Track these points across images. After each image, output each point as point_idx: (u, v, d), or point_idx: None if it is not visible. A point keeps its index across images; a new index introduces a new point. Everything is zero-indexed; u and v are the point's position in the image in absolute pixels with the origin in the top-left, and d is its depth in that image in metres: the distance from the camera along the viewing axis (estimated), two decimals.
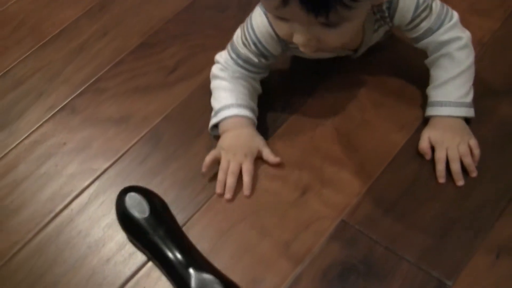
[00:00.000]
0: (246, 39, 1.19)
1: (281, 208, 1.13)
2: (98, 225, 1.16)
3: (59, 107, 1.38)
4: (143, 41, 1.50)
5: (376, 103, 1.25)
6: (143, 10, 1.58)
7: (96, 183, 1.23)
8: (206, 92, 1.28)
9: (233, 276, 1.04)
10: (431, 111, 1.16)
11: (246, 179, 1.17)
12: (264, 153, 1.19)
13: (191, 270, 1.01)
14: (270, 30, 1.15)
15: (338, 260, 1.06)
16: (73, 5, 1.63)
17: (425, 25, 1.14)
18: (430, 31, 1.14)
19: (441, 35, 1.14)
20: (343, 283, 1.03)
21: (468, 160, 1.11)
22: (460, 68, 1.13)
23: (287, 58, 1.34)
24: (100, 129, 1.32)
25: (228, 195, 1.16)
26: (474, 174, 1.12)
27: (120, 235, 1.13)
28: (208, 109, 1.25)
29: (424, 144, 1.15)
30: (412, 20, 1.13)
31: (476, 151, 1.12)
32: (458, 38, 1.14)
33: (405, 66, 1.27)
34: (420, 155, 1.16)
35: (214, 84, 1.25)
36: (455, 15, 1.16)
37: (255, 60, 1.21)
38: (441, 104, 1.14)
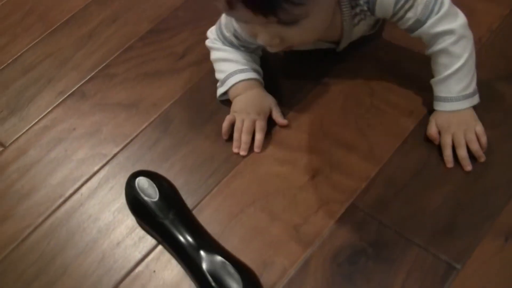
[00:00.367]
0: (221, 28, 1.22)
1: (291, 192, 1.14)
2: (108, 209, 1.17)
3: (69, 93, 1.39)
4: (152, 28, 1.50)
5: (386, 88, 1.25)
6: None
7: (106, 168, 1.23)
8: (215, 78, 1.28)
9: (244, 259, 1.04)
10: (437, 106, 1.15)
11: (259, 136, 1.20)
12: (273, 113, 1.22)
13: (202, 252, 1.02)
14: None
15: (347, 243, 1.06)
16: None
17: (411, 16, 1.10)
18: (419, 23, 1.10)
19: (432, 27, 1.10)
20: (352, 266, 1.03)
21: (475, 147, 1.11)
22: (459, 63, 1.10)
23: None
24: (110, 114, 1.33)
25: (243, 152, 1.19)
26: (482, 159, 1.12)
27: (130, 219, 1.14)
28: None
29: (432, 130, 1.15)
30: (395, 12, 1.10)
31: (483, 139, 1.12)
32: (450, 32, 1.09)
33: (414, 51, 1.26)
34: (429, 140, 1.16)
35: (214, 55, 1.27)
36: (446, 3, 1.09)
37: (236, 43, 1.22)
38: (444, 99, 1.13)
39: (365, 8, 1.13)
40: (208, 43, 1.28)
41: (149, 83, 1.37)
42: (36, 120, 1.34)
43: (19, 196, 1.22)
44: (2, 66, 1.48)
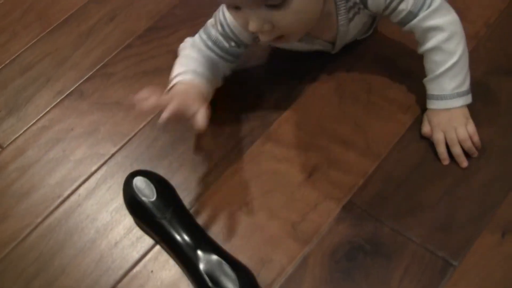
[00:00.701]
0: (215, 20, 1.19)
1: (289, 189, 1.14)
2: (106, 209, 1.17)
3: (67, 93, 1.39)
4: (150, 25, 1.50)
5: (383, 84, 1.25)
6: None
7: (104, 168, 1.23)
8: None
9: (242, 256, 1.05)
10: (430, 104, 1.15)
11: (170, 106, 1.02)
12: (198, 113, 1.03)
13: (199, 252, 1.02)
14: None
15: (345, 240, 1.06)
16: None
17: (403, 7, 1.10)
18: (412, 15, 1.10)
19: (424, 21, 1.09)
20: (350, 263, 1.04)
21: (468, 144, 1.11)
22: (452, 60, 1.10)
23: None
24: (108, 113, 1.33)
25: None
26: (475, 155, 1.12)
27: (127, 219, 1.14)
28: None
29: (426, 129, 1.15)
30: (388, 4, 1.10)
31: (475, 137, 1.12)
32: (441, 28, 1.09)
33: (411, 47, 1.26)
34: (425, 137, 1.16)
35: (176, 60, 1.22)
36: None
37: (225, 44, 1.20)
38: (437, 97, 1.13)
39: (358, 0, 1.13)
40: (180, 46, 1.24)
41: (148, 81, 1.36)
42: (34, 121, 1.34)
43: (18, 196, 1.22)
44: (1, 66, 1.49)
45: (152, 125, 1.28)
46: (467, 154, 1.12)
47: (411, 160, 1.14)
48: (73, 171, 1.24)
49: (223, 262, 1.01)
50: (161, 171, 1.16)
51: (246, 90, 1.30)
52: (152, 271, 1.08)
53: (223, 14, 1.17)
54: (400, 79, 1.24)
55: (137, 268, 1.09)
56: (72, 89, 1.39)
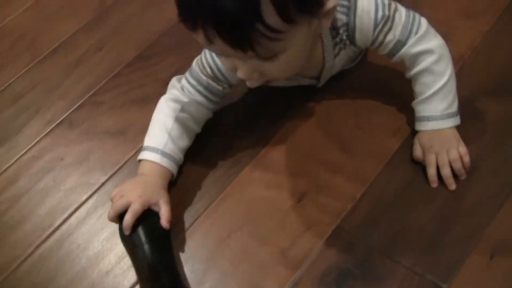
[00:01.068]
0: (202, 63, 1.19)
1: (278, 215, 1.14)
2: (97, 238, 1.17)
3: (57, 122, 1.39)
4: (139, 54, 1.51)
5: (369, 108, 1.26)
6: (138, 24, 1.60)
7: (94, 197, 1.24)
8: None
9: (232, 283, 1.06)
10: (419, 126, 1.16)
11: (127, 217, 1.07)
12: (162, 209, 1.09)
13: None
14: None
15: (335, 265, 1.06)
16: (70, 20, 1.64)
17: (391, 38, 1.11)
18: (400, 44, 1.12)
19: (413, 47, 1.11)
20: None
21: (458, 166, 1.12)
22: (442, 81, 1.12)
23: None
24: (98, 142, 1.33)
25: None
26: (463, 177, 1.13)
27: (118, 248, 1.14)
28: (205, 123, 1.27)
29: (417, 152, 1.16)
30: (375, 38, 1.12)
31: (466, 158, 1.13)
32: (431, 51, 1.11)
33: (397, 70, 1.27)
34: (414, 160, 1.17)
35: (155, 117, 1.22)
36: (424, 23, 1.12)
37: (218, 87, 1.21)
38: (427, 119, 1.14)
39: (345, 37, 1.14)
40: (163, 100, 1.22)
41: (137, 109, 1.37)
42: (25, 150, 1.35)
43: (9, 226, 1.22)
44: None
45: None
46: (455, 175, 1.13)
47: (399, 183, 1.15)
48: (64, 200, 1.24)
49: None
50: None
51: (234, 117, 1.31)
52: None
53: (211, 57, 1.17)
54: (386, 103, 1.26)
55: None
56: (62, 118, 1.40)
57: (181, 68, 1.40)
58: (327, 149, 1.22)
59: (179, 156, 1.19)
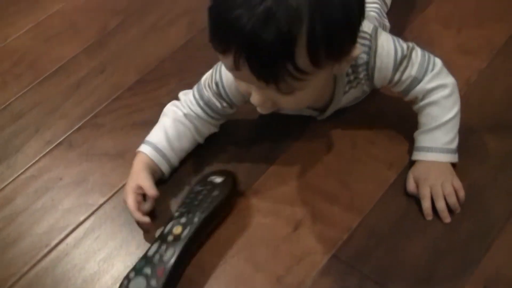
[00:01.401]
0: (211, 77, 1.22)
1: (274, 243, 1.15)
2: (93, 259, 1.17)
3: (57, 142, 1.40)
4: (140, 78, 1.53)
5: (367, 140, 1.28)
6: (140, 48, 1.61)
7: (92, 218, 1.24)
8: None
9: None
10: (417, 156, 1.18)
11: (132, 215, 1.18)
12: (145, 189, 1.18)
13: None
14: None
15: None
16: (72, 42, 1.66)
17: (408, 75, 1.15)
18: (416, 81, 1.15)
19: (428, 83, 1.14)
20: None
21: (452, 200, 1.13)
22: (448, 116, 1.14)
23: None
24: (97, 164, 1.34)
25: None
26: (458, 210, 1.14)
27: (115, 269, 1.15)
28: (203, 146, 1.28)
29: (410, 187, 1.17)
30: (394, 74, 1.15)
31: (461, 193, 1.14)
32: (444, 86, 1.14)
33: (394, 105, 1.29)
34: (410, 194, 1.18)
35: (160, 121, 1.28)
36: (438, 62, 1.16)
37: (218, 104, 1.23)
38: (427, 149, 1.16)
39: (362, 75, 1.17)
40: (167, 108, 1.29)
41: (137, 133, 1.37)
42: (23, 169, 1.35)
43: (5, 244, 1.22)
44: None
45: None
46: (449, 209, 1.14)
47: (394, 215, 1.16)
48: (61, 220, 1.25)
49: None
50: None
51: (232, 144, 1.32)
52: None
53: (220, 74, 1.20)
54: (384, 135, 1.28)
55: None
56: (61, 139, 1.40)
57: None
58: (324, 179, 1.23)
59: (172, 155, 1.24)
